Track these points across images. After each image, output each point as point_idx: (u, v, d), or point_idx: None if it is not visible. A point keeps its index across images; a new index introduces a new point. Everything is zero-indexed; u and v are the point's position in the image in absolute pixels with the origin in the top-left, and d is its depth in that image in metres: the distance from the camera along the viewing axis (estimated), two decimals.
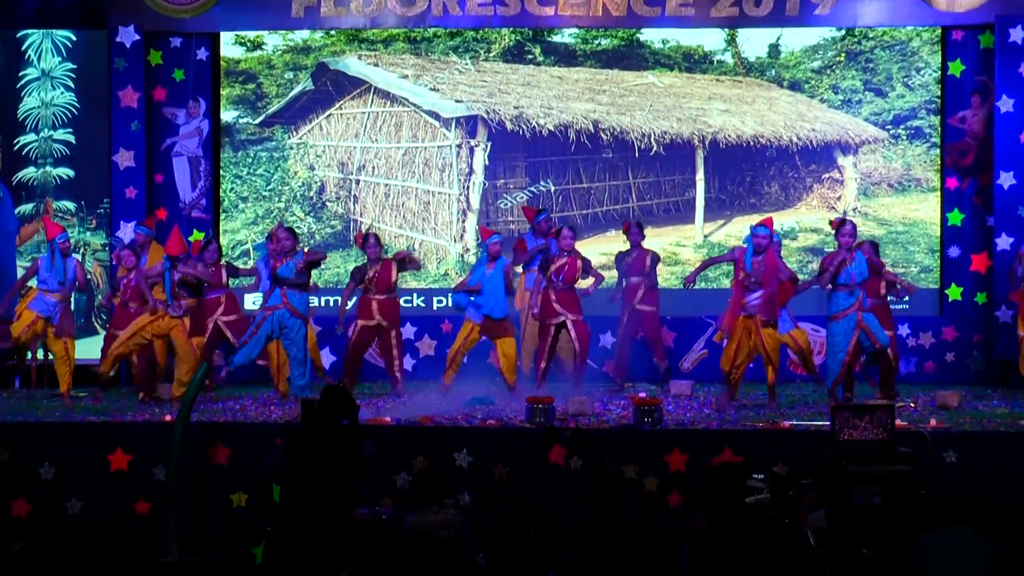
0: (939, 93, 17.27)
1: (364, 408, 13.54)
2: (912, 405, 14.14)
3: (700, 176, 17.62)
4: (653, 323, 16.01)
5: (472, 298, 15.14)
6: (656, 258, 16.06)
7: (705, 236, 17.61)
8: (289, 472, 8.77)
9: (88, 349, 16.32)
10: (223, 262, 15.45)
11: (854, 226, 14.05)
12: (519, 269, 15.94)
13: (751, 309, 13.93)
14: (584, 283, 15.47)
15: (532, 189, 17.62)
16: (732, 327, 14.09)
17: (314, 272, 16.74)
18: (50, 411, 14.20)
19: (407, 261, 15.43)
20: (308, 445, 8.81)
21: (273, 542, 8.90)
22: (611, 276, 16.41)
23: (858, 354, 14.26)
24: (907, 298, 15.64)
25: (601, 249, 17.13)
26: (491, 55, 17.72)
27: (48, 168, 17.44)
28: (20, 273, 16.50)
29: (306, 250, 15.14)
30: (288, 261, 14.55)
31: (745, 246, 14.15)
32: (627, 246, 16.10)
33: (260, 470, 10.61)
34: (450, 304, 16.20)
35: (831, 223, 14.38)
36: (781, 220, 17.26)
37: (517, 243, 15.99)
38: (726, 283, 17.27)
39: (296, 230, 15.43)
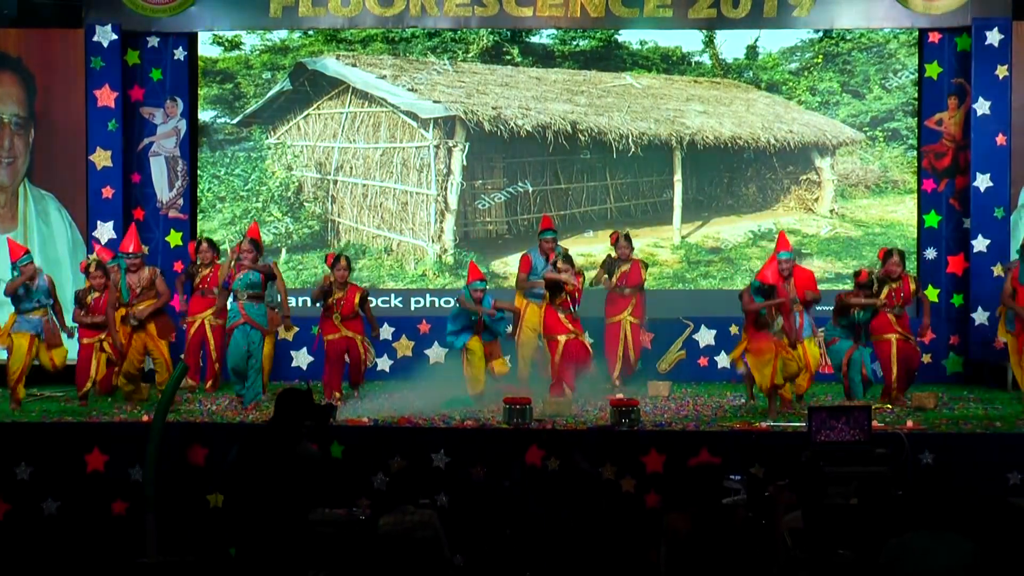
0: (916, 95, 17.32)
1: (343, 408, 13.61)
2: (889, 407, 14.18)
3: (678, 177, 17.65)
4: (636, 332, 16.03)
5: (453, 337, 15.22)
6: (645, 266, 16.14)
7: (683, 237, 17.63)
8: (238, 472, 8.71)
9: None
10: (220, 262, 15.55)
11: (874, 283, 14.33)
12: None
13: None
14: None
15: (510, 190, 17.63)
16: (761, 349, 13.98)
17: (291, 273, 16.75)
18: (26, 411, 14.17)
19: (365, 300, 15.29)
20: (254, 445, 8.75)
21: (237, 542, 8.85)
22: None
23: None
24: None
25: (579, 250, 17.12)
26: (469, 56, 17.72)
27: None
28: None
29: (261, 264, 14.75)
30: (246, 273, 14.38)
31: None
32: (609, 247, 16.21)
33: (221, 469, 10.62)
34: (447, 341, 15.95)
35: (856, 275, 14.71)
36: (759, 221, 17.31)
37: (523, 260, 15.98)
38: (703, 284, 17.34)
39: (261, 240, 15.35)
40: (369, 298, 15.32)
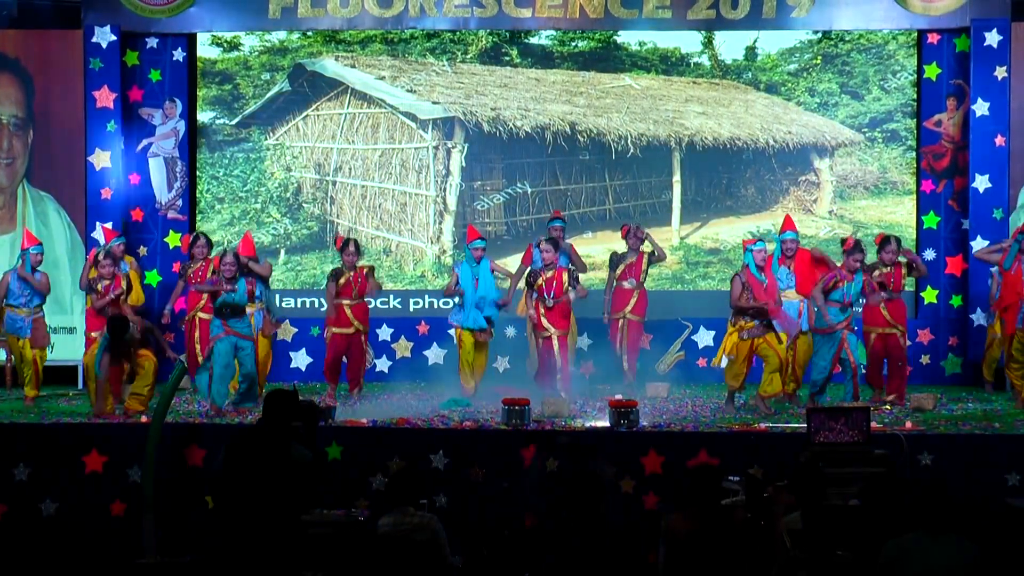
0: (915, 96, 17.33)
1: (341, 408, 13.59)
2: (888, 408, 14.18)
3: (677, 178, 17.65)
4: (637, 332, 15.99)
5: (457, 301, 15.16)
6: (650, 258, 15.99)
7: (682, 238, 17.63)
8: (225, 476, 8.69)
9: (67, 350, 16.42)
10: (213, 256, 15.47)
11: (864, 252, 14.24)
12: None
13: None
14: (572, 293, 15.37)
15: (509, 191, 17.63)
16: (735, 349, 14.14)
17: (290, 274, 16.72)
18: (24, 412, 14.16)
19: (372, 274, 15.33)
20: (242, 447, 8.73)
21: (228, 545, 8.82)
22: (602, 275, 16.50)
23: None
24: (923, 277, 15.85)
25: (578, 251, 17.09)
26: (468, 57, 17.71)
27: None
28: None
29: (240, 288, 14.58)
30: (231, 289, 14.21)
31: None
32: (609, 245, 16.22)
33: (209, 473, 10.59)
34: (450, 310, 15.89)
35: (843, 241, 14.58)
36: (758, 222, 17.31)
37: (526, 252, 15.96)
38: (702, 285, 17.35)
39: (254, 252, 15.33)
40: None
